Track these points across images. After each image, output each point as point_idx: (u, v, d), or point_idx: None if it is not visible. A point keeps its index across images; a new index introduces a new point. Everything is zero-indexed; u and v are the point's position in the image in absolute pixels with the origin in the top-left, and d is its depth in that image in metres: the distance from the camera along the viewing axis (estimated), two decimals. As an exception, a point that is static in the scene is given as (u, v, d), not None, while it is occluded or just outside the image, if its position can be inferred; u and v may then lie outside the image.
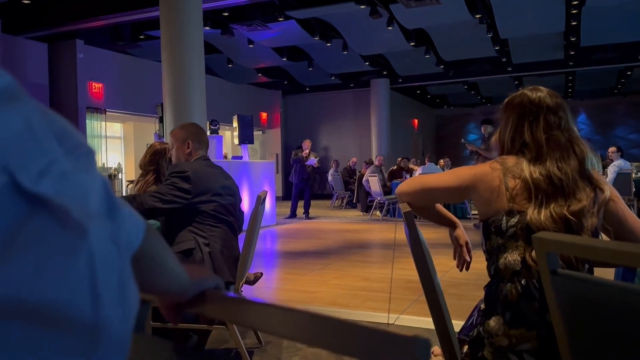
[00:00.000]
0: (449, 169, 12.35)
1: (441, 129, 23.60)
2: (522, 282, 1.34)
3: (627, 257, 0.67)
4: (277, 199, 12.92)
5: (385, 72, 15.44)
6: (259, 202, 2.61)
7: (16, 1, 8.86)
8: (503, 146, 1.53)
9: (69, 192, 0.42)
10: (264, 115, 17.45)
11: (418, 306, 3.58)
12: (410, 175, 11.36)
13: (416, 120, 20.72)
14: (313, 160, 10.58)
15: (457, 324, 1.64)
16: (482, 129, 7.89)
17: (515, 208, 1.38)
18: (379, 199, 10.47)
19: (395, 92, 17.49)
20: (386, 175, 11.76)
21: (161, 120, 7.90)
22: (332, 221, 10.17)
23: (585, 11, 9.87)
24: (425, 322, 3.06)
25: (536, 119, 1.46)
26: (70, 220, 0.41)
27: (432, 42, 12.15)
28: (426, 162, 11.74)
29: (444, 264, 4.18)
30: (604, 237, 1.46)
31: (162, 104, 7.43)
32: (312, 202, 11.15)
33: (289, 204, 11.10)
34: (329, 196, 14.89)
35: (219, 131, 9.22)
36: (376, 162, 11.83)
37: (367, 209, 11.23)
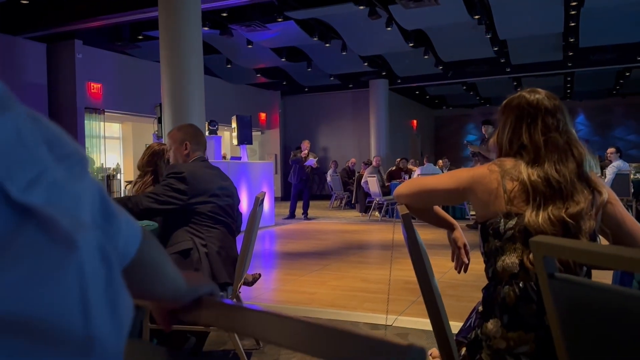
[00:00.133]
0: (448, 169, 12.37)
1: (440, 129, 23.60)
2: (520, 285, 1.34)
3: (624, 262, 0.67)
4: (276, 199, 12.92)
5: (384, 73, 15.44)
6: (257, 203, 2.61)
7: (15, 1, 8.86)
8: (501, 148, 1.53)
9: (59, 202, 0.41)
10: (263, 115, 17.45)
11: (416, 307, 3.58)
12: (409, 176, 11.36)
13: (415, 121, 20.73)
14: (312, 161, 10.58)
15: (456, 326, 1.64)
16: (483, 129, 7.86)
17: (513, 210, 1.38)
18: (377, 199, 10.47)
19: (394, 93, 17.50)
20: (385, 176, 11.76)
21: (160, 120, 7.89)
22: (330, 222, 10.16)
23: (584, 12, 9.88)
24: (423, 323, 3.06)
25: (534, 121, 1.46)
26: (59, 232, 0.40)
27: (431, 43, 12.15)
28: (425, 162, 11.75)
29: (442, 265, 4.18)
30: (602, 239, 1.46)
31: (160, 105, 7.42)
32: (311, 203, 11.15)
33: (288, 204, 11.10)
34: (327, 197, 14.88)
35: (218, 132, 9.22)
36: (374, 163, 11.80)
37: (365, 209, 11.23)
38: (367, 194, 11.07)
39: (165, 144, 3.10)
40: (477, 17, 9.84)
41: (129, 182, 10.78)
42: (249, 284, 3.80)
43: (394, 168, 12.39)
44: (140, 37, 10.94)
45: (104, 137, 11.50)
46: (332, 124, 17.96)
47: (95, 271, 0.43)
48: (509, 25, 10.64)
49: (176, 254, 2.42)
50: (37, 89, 10.45)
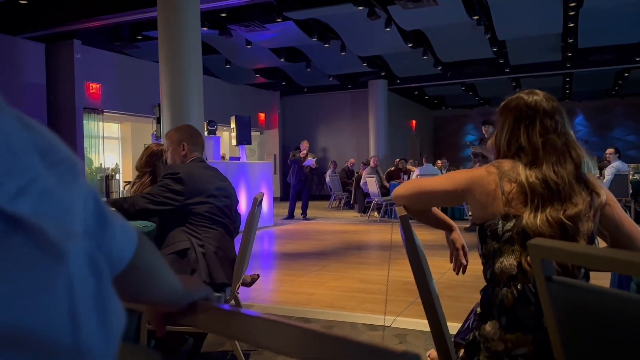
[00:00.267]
0: (447, 170, 12.37)
1: (439, 130, 23.61)
2: (518, 287, 1.34)
3: (622, 265, 0.67)
4: (275, 199, 12.91)
5: (383, 73, 15.45)
6: (256, 204, 2.60)
7: (13, 1, 8.85)
8: (499, 150, 1.52)
9: (49, 211, 0.41)
10: (262, 116, 17.45)
11: (415, 308, 3.57)
12: (408, 177, 11.36)
13: (414, 121, 20.73)
14: (311, 161, 10.57)
15: (454, 326, 1.63)
16: (483, 129, 7.84)
17: (511, 212, 1.38)
18: (376, 200, 10.47)
19: (393, 93, 17.50)
20: (383, 176, 11.75)
21: (159, 121, 7.89)
22: (329, 222, 10.16)
23: (583, 13, 9.89)
24: (421, 324, 3.06)
25: (532, 122, 1.46)
26: (47, 243, 0.39)
27: (429, 44, 12.16)
28: (423, 163, 11.76)
29: (440, 266, 4.18)
30: (600, 241, 1.46)
31: (159, 105, 7.42)
32: (310, 203, 11.15)
33: (287, 204, 11.09)
34: (326, 197, 14.88)
35: (217, 132, 9.22)
36: (371, 163, 11.75)
37: (364, 210, 11.23)
38: (366, 195, 11.07)
39: (163, 145, 3.10)
40: (476, 17, 9.84)
41: (128, 183, 10.76)
42: (248, 284, 3.80)
43: (392, 168, 12.39)
44: (139, 37, 10.94)
45: (103, 137, 11.48)
46: (331, 124, 17.96)
47: (84, 281, 0.42)
48: (508, 26, 10.65)
49: (173, 254, 2.42)
50: (36, 89, 10.43)
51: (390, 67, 14.69)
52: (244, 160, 9.22)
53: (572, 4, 9.45)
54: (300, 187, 10.52)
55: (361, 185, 11.24)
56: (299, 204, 10.65)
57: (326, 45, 11.63)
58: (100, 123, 11.28)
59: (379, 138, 16.34)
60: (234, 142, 9.07)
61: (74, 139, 10.55)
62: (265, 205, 8.59)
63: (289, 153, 11.24)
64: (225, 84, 15.18)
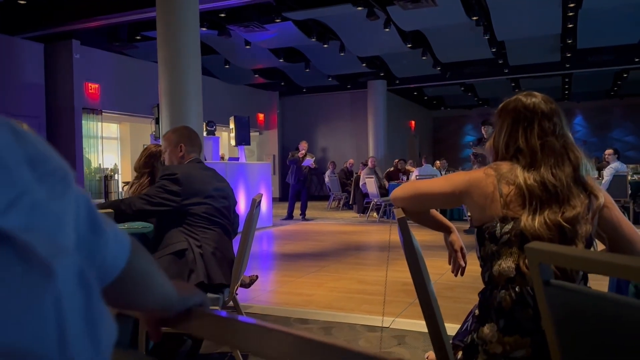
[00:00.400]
0: (446, 170, 12.38)
1: (438, 130, 23.62)
2: (516, 289, 1.33)
3: (620, 270, 0.66)
4: (274, 200, 12.91)
5: (382, 74, 15.45)
6: (254, 205, 2.60)
7: (12, 1, 8.84)
8: (497, 152, 1.52)
9: (40, 224, 0.40)
10: (261, 116, 17.44)
11: (414, 309, 3.57)
12: (407, 177, 11.37)
13: (413, 122, 20.74)
14: (309, 161, 10.57)
15: (453, 328, 1.63)
16: (483, 130, 7.83)
17: (509, 214, 1.38)
18: (375, 200, 10.47)
19: (392, 94, 17.51)
20: (382, 176, 11.75)
21: (157, 121, 7.88)
22: (328, 223, 10.16)
23: (582, 13, 9.90)
24: (420, 325, 3.05)
25: (530, 124, 1.45)
26: (36, 260, 0.39)
27: (428, 44, 12.16)
28: (423, 163, 11.77)
29: (439, 267, 4.18)
30: (598, 243, 1.46)
31: (158, 105, 7.41)
32: (309, 204, 11.15)
33: (286, 205, 11.09)
34: (325, 197, 14.88)
35: (216, 132, 9.21)
36: (369, 164, 11.72)
37: (363, 210, 11.23)
38: (365, 195, 11.07)
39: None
40: (475, 18, 9.85)
41: (127, 183, 10.76)
42: (246, 285, 3.80)
43: (392, 169, 12.40)
44: (138, 38, 10.93)
45: (102, 138, 11.48)
46: (330, 124, 17.97)
47: (72, 298, 0.42)
48: (507, 27, 10.66)
49: (171, 255, 2.41)
50: (35, 89, 10.42)
51: (390, 67, 14.70)
52: (243, 161, 9.21)
53: (571, 5, 9.46)
54: (299, 188, 10.52)
55: (360, 185, 11.23)
56: (298, 205, 10.64)
57: (325, 45, 11.63)
58: (99, 123, 11.28)
59: (378, 138, 16.34)
60: (233, 142, 9.07)
61: (72, 139, 10.54)
62: (264, 205, 8.59)
63: (288, 153, 11.25)
64: (224, 85, 15.18)
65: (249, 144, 9.34)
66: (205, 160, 7.65)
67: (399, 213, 1.50)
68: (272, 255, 6.59)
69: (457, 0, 9.19)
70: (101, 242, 0.49)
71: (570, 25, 10.66)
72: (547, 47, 12.41)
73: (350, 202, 12.51)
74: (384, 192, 10.46)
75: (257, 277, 3.95)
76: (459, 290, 4.07)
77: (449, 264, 1.64)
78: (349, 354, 0.45)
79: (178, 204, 2.46)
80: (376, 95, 16.35)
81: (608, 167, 8.81)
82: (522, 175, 1.40)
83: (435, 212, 1.66)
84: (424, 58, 12.68)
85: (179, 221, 2.49)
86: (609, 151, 9.24)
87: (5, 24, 9.67)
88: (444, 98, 20.85)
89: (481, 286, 1.46)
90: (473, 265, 1.62)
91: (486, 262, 1.42)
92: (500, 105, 1.55)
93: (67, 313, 0.41)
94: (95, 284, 0.45)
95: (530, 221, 1.34)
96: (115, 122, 13.82)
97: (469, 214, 9.29)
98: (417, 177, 10.21)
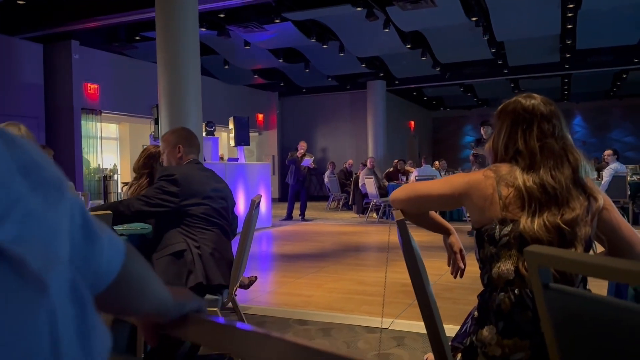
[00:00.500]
0: (445, 170, 12.38)
1: (437, 131, 23.62)
2: (516, 292, 1.33)
3: (620, 274, 0.66)
4: (274, 200, 12.91)
5: (381, 74, 15.45)
6: (253, 206, 2.60)
7: (11, 1, 8.83)
8: (496, 154, 1.52)
9: (32, 235, 0.39)
10: (261, 116, 17.43)
11: (413, 310, 3.57)
12: (407, 177, 11.36)
13: (412, 122, 20.74)
14: (308, 161, 10.56)
15: (452, 329, 1.63)
16: (482, 130, 7.82)
17: (509, 217, 1.37)
18: (374, 201, 10.47)
19: (391, 94, 17.51)
20: (382, 176, 11.75)
21: (157, 121, 7.87)
22: (328, 223, 10.16)
23: (581, 14, 9.90)
24: (419, 326, 3.05)
25: (530, 126, 1.45)
26: (29, 274, 0.38)
27: (428, 45, 12.16)
28: (422, 163, 11.76)
29: (439, 268, 4.17)
30: (597, 246, 1.45)
31: (157, 106, 7.41)
32: (308, 204, 11.15)
33: (285, 205, 11.09)
34: (325, 198, 14.88)
35: (215, 133, 9.21)
36: (368, 165, 11.69)
37: (363, 210, 11.23)
38: (365, 195, 11.06)
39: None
40: (474, 18, 9.85)
41: (126, 184, 10.74)
42: (245, 286, 3.79)
43: (391, 169, 12.40)
44: (137, 38, 10.92)
45: (101, 138, 11.47)
46: (330, 125, 17.96)
47: (66, 311, 0.41)
48: (507, 27, 10.66)
49: (169, 256, 2.41)
50: (34, 89, 10.42)
51: (389, 68, 14.69)
52: (242, 161, 9.20)
53: (570, 6, 9.47)
54: (298, 188, 10.51)
55: (359, 186, 11.23)
56: (297, 205, 10.64)
57: (325, 46, 11.63)
58: (99, 124, 11.27)
59: (378, 139, 16.34)
60: (232, 142, 9.06)
61: (72, 139, 10.54)
62: (263, 206, 8.58)
63: (288, 154, 11.25)
64: (224, 85, 15.17)
65: (248, 144, 9.33)
66: (205, 160, 7.65)
67: (398, 215, 1.49)
68: (271, 256, 6.59)
69: (456, 0, 9.19)
70: (96, 249, 0.48)
71: (570, 26, 10.67)
72: (546, 47, 12.42)
73: (350, 203, 12.51)
74: (383, 192, 10.45)
75: (256, 278, 3.95)
76: (458, 292, 4.06)
77: (448, 265, 1.64)
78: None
79: (176, 205, 2.46)
80: (375, 96, 16.35)
81: (607, 167, 8.81)
82: (521, 177, 1.39)
83: (434, 214, 1.65)
84: (423, 58, 12.68)
85: (178, 222, 2.49)
86: (608, 152, 9.24)
87: (5, 24, 9.66)
88: (443, 98, 20.85)
89: (480, 287, 1.46)
90: (472, 267, 1.62)
91: (485, 264, 1.42)
92: (500, 107, 1.54)
93: (60, 327, 0.40)
94: (88, 295, 0.45)
95: (529, 223, 1.34)
96: (115, 123, 13.81)
97: (468, 214, 9.30)
98: (417, 178, 10.21)
